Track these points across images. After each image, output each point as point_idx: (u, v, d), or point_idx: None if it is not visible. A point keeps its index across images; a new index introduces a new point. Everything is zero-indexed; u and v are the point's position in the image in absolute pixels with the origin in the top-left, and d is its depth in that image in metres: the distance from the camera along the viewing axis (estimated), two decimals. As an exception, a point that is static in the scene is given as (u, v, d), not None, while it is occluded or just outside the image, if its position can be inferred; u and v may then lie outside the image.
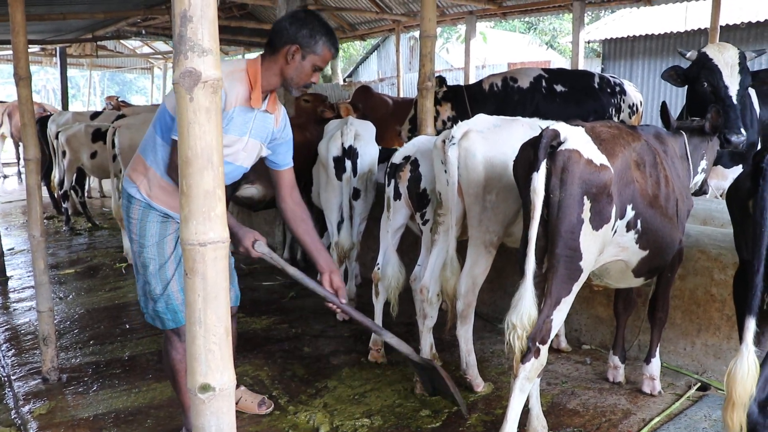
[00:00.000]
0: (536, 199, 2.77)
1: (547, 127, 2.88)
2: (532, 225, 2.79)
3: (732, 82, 3.95)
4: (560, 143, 2.85)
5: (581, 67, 8.94)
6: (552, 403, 3.72)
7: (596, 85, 6.35)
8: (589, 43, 15.75)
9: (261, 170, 5.71)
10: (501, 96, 6.35)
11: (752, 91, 5.29)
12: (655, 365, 3.81)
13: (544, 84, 5.85)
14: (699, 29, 12.78)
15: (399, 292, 4.16)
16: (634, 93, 7.43)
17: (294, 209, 3.33)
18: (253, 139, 3.05)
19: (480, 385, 3.85)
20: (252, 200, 5.90)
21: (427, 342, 3.93)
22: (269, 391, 3.93)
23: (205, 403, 1.61)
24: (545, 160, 2.77)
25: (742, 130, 3.87)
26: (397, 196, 4.06)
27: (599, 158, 2.87)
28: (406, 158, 4.01)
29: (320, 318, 5.23)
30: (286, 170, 3.34)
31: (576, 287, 2.92)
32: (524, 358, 2.87)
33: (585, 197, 2.81)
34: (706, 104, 4.08)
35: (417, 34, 22.02)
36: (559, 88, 5.88)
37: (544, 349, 2.90)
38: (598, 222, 2.86)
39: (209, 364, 1.60)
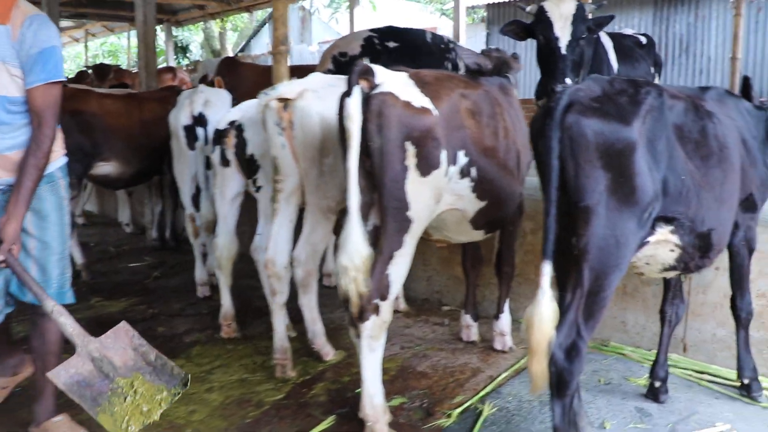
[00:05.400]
0: (352, 126, 2.60)
1: (359, 61, 2.70)
2: (350, 155, 2.60)
3: (563, 33, 3.92)
4: (375, 86, 2.70)
5: (463, 32, 8.88)
6: (401, 367, 3.64)
7: (429, 41, 6.19)
8: (473, 8, 15.74)
9: (116, 146, 5.43)
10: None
11: (609, 46, 5.32)
12: (505, 321, 3.78)
13: (377, 42, 5.64)
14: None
15: (233, 262, 4.00)
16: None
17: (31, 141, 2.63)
18: None
19: (329, 354, 3.73)
20: (108, 178, 5.55)
21: (280, 321, 3.59)
22: (109, 375, 3.68)
23: None
24: (359, 89, 2.62)
25: (567, 80, 3.87)
26: (225, 162, 3.85)
27: (420, 101, 2.74)
28: (231, 123, 3.79)
29: (181, 297, 5.01)
30: (32, 89, 2.58)
31: (409, 239, 2.77)
32: (363, 316, 2.70)
33: (407, 142, 2.67)
34: (544, 56, 4.05)
35: (306, 4, 21.63)
36: (392, 44, 5.71)
37: (386, 305, 2.74)
38: (425, 168, 2.72)
39: None
